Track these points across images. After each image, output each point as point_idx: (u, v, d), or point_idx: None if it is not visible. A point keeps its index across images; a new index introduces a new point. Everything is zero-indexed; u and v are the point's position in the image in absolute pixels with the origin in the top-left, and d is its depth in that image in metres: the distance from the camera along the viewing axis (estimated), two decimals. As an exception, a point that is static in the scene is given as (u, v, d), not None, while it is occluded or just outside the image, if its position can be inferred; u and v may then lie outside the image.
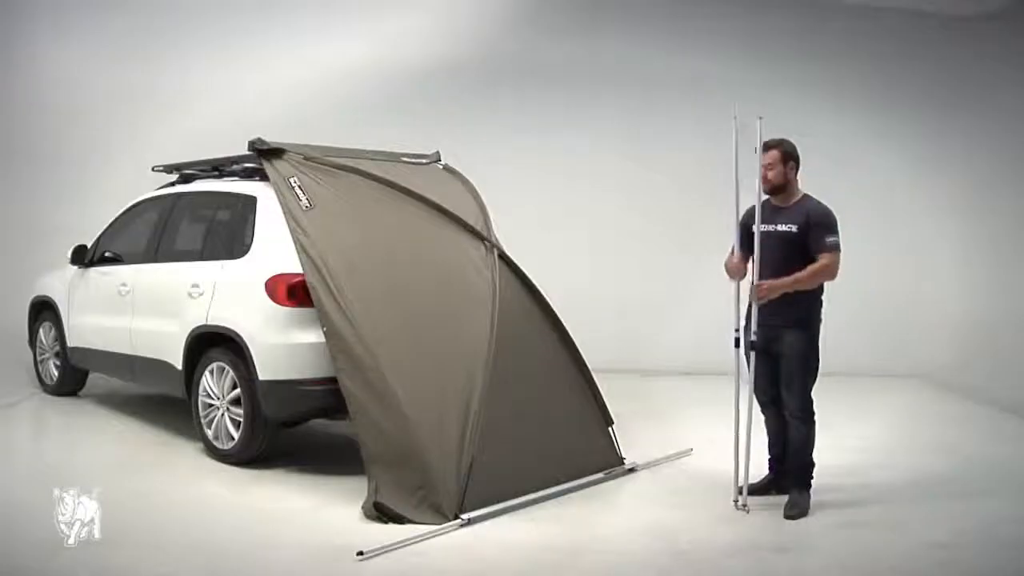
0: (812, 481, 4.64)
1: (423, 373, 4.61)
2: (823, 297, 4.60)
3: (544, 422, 4.97)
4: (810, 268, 4.46)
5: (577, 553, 4.09)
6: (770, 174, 4.62)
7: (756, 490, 4.72)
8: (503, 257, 5.37)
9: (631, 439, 5.60)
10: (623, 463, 5.29)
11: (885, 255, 9.14)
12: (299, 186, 5.07)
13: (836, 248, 4.51)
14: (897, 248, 9.18)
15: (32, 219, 8.74)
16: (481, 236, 5.41)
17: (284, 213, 5.02)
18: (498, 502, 4.43)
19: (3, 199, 8.83)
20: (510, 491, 4.54)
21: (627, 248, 9.16)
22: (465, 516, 4.23)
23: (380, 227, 5.19)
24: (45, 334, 7.18)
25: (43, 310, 7.21)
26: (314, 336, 4.94)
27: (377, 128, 7.89)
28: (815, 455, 4.63)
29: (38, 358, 7.29)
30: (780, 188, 4.63)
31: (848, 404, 7.53)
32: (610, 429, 5.36)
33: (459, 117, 8.72)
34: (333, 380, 4.89)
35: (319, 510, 4.56)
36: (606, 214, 9.14)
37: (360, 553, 3.77)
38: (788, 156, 4.63)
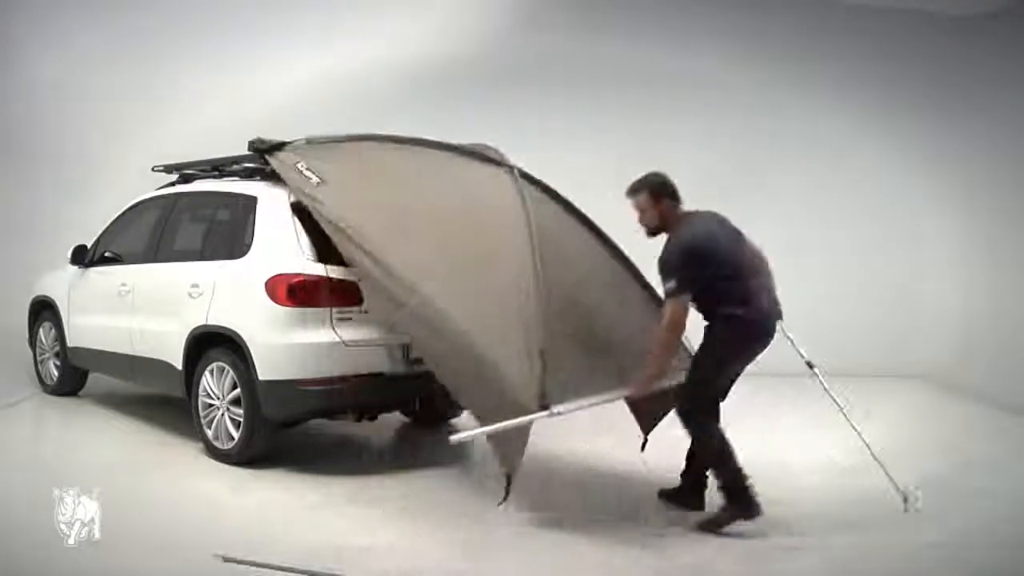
0: (734, 493, 4.23)
1: (471, 291, 4.48)
2: (738, 316, 4.21)
3: (605, 320, 4.83)
4: (656, 338, 4.20)
5: (572, 546, 4.08)
6: (644, 220, 4.38)
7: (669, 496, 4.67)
8: (527, 176, 5.25)
9: (631, 439, 5.59)
10: None
11: (885, 254, 9.15)
12: (307, 168, 5.04)
13: (670, 294, 4.11)
14: (897, 247, 9.17)
15: (32, 219, 8.74)
16: (500, 163, 5.33)
17: (296, 194, 4.99)
18: (580, 398, 4.27)
19: (3, 199, 8.82)
20: (590, 390, 4.36)
21: (627, 248, 9.15)
22: (552, 408, 4.06)
23: (395, 174, 5.15)
24: (45, 334, 7.18)
25: (43, 310, 7.20)
26: (314, 336, 4.96)
27: (377, 128, 7.86)
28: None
29: (38, 358, 7.28)
30: (660, 229, 4.37)
31: (848, 404, 7.51)
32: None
33: (459, 117, 8.67)
34: (333, 380, 4.91)
35: (319, 510, 4.56)
36: (606, 213, 9.12)
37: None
38: (658, 194, 4.34)
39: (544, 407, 4.04)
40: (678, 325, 4.13)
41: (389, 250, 4.57)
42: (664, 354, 4.19)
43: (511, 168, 5.34)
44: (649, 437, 5.15)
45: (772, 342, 4.35)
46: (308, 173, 5.00)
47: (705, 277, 4.13)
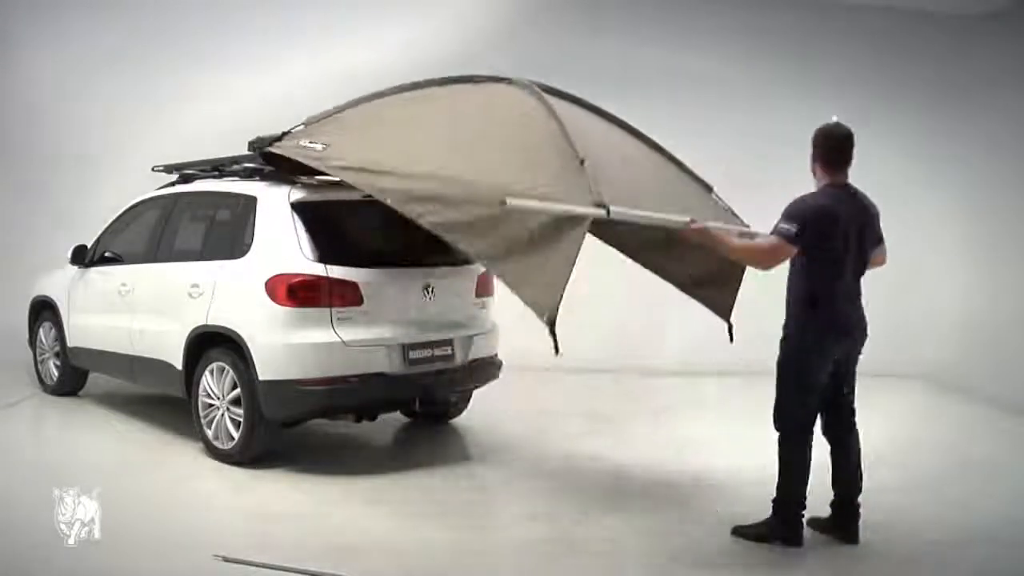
0: (783, 513, 4.15)
1: (489, 157, 4.30)
2: (812, 303, 4.07)
3: (645, 168, 4.76)
4: (749, 241, 4.22)
5: (572, 545, 4.09)
6: None
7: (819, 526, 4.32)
8: (544, 87, 5.01)
9: (630, 439, 5.61)
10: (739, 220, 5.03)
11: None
12: (310, 142, 5.00)
13: (776, 233, 3.99)
14: (897, 248, 9.14)
15: (32, 219, 8.73)
16: (508, 79, 5.11)
17: (308, 163, 4.95)
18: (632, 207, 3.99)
19: (3, 199, 8.82)
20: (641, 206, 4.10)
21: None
22: (610, 207, 3.75)
23: (396, 113, 5.08)
24: (45, 334, 7.18)
25: (43, 310, 7.20)
26: (314, 336, 4.96)
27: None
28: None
29: (38, 358, 7.28)
30: None
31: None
32: (712, 194, 5.15)
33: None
34: (333, 380, 4.91)
35: (319, 510, 4.57)
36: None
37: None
38: (814, 143, 4.20)
39: (600, 205, 3.74)
40: (769, 259, 4.05)
41: (399, 159, 4.48)
42: (737, 253, 4.17)
43: (520, 79, 5.06)
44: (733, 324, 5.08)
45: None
46: (312, 144, 4.97)
47: (816, 251, 4.01)
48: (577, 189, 3.85)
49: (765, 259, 4.08)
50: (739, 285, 5.07)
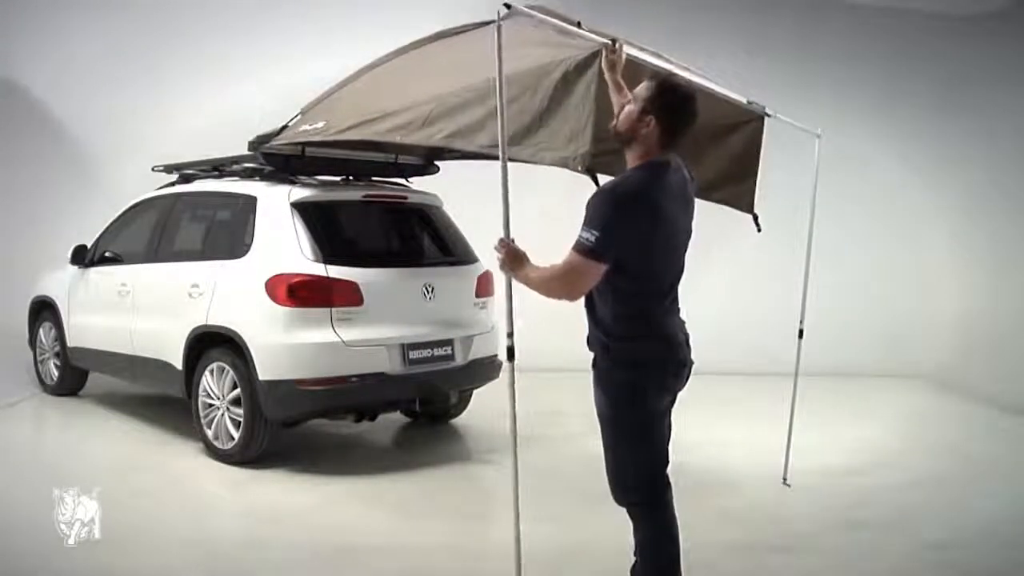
0: None
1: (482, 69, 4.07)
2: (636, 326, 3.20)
3: None
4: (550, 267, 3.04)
5: (573, 545, 4.09)
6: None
7: None
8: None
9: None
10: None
11: (885, 255, 9.14)
12: (309, 125, 5.00)
13: (578, 247, 2.94)
14: (897, 248, 9.17)
15: (33, 219, 8.73)
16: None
17: (312, 138, 4.95)
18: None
19: (3, 199, 8.82)
20: None
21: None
22: (616, 39, 3.80)
23: (387, 76, 5.06)
24: (45, 334, 7.18)
25: (43, 310, 7.21)
26: (314, 336, 4.96)
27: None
28: None
29: (38, 358, 7.28)
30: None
31: (848, 404, 7.52)
32: None
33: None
34: (333, 380, 4.91)
35: (319, 510, 4.57)
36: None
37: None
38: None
39: (614, 41, 3.75)
40: (564, 288, 3.12)
41: (399, 102, 4.47)
42: (533, 282, 3.21)
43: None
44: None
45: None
46: (313, 126, 4.96)
47: None
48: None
49: (566, 288, 3.18)
50: (756, 175, 4.99)
